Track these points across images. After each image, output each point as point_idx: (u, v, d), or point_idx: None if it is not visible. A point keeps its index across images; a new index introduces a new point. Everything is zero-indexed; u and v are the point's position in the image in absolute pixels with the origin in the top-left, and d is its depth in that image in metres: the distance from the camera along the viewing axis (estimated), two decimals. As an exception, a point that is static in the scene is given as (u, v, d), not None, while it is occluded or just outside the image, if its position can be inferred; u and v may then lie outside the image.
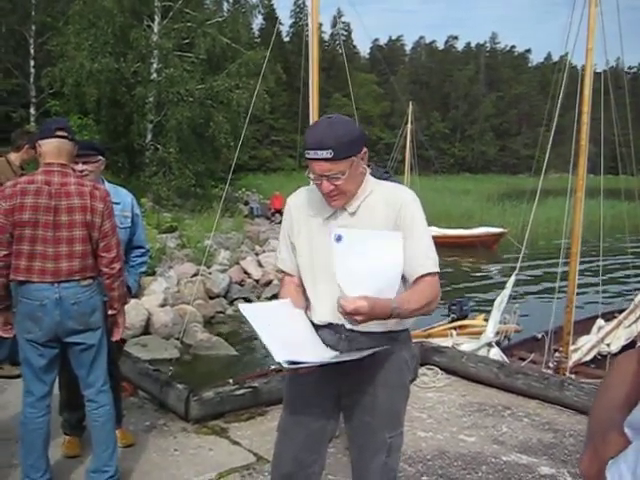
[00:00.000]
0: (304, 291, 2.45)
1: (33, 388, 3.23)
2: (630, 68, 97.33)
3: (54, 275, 3.09)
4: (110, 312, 3.35)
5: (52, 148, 3.18)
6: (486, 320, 10.75)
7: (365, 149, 2.31)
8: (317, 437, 2.47)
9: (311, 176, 2.27)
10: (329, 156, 2.18)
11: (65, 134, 3.22)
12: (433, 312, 2.44)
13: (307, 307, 2.43)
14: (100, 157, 3.92)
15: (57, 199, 3.10)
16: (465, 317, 11.71)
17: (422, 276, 2.28)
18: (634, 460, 0.66)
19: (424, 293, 2.28)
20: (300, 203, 2.46)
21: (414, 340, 6.57)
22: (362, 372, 2.35)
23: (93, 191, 3.18)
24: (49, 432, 3.33)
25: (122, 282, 3.34)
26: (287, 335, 2.27)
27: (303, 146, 2.26)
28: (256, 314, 2.29)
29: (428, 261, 2.31)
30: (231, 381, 5.01)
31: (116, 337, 3.44)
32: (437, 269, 2.32)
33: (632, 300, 11.57)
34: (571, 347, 9.80)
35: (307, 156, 2.22)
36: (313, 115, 6.94)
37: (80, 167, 3.81)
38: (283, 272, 2.55)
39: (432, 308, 2.36)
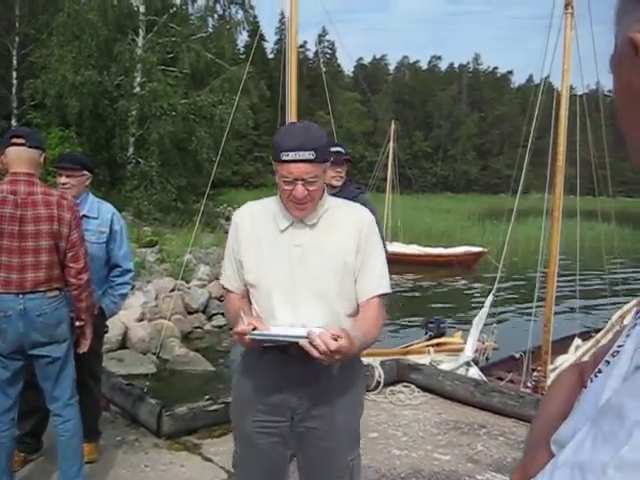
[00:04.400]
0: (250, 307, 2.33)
1: None
2: (610, 91, 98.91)
3: (19, 286, 3.04)
4: (77, 323, 3.31)
5: (11, 156, 3.15)
6: (463, 338, 10.77)
7: (329, 160, 2.30)
8: (278, 465, 2.37)
9: (282, 181, 2.16)
10: (311, 157, 2.10)
11: (21, 141, 3.15)
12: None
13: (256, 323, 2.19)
14: (85, 172, 3.91)
15: (23, 209, 3.05)
16: (442, 335, 11.71)
17: (375, 296, 2.26)
18: (549, 476, 0.65)
19: (378, 319, 2.26)
20: (248, 218, 2.35)
21: (392, 357, 6.57)
22: (318, 395, 2.24)
23: (60, 200, 3.15)
24: (14, 447, 3.26)
25: (90, 293, 3.30)
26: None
27: (277, 149, 2.14)
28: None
29: (384, 281, 2.30)
30: (207, 397, 4.95)
31: (82, 349, 3.38)
32: (390, 290, 2.32)
33: (609, 319, 11.65)
34: (549, 366, 9.82)
35: (285, 158, 2.11)
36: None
37: (63, 180, 3.80)
38: (227, 290, 2.43)
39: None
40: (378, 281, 2.27)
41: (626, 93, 0.69)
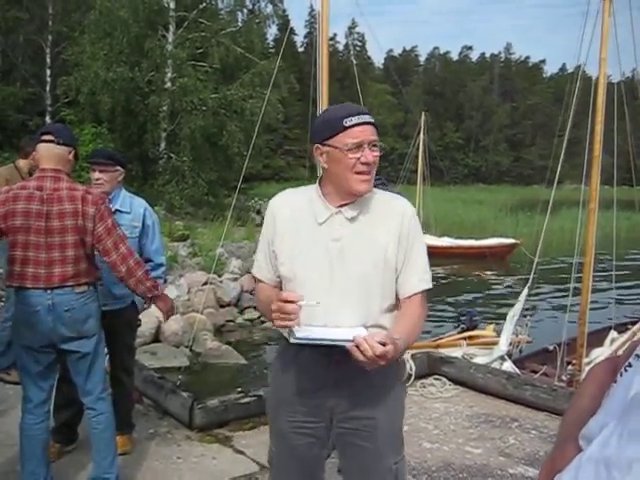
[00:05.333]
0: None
1: (31, 394, 3.22)
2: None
3: (47, 281, 3.08)
4: (145, 306, 3.70)
5: (41, 153, 3.20)
6: (496, 330, 10.67)
7: None
8: (314, 464, 2.29)
9: (346, 150, 2.05)
10: (372, 120, 2.06)
11: (50, 138, 3.18)
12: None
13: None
14: (118, 167, 3.94)
15: (49, 204, 3.09)
16: (475, 327, 11.61)
17: (417, 292, 2.17)
18: (575, 472, 0.64)
19: (420, 318, 2.18)
20: (286, 206, 2.24)
21: (423, 350, 6.54)
22: (356, 394, 2.14)
23: (85, 195, 3.15)
24: (48, 438, 3.32)
25: (140, 279, 3.28)
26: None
27: (332, 122, 2.08)
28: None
29: (426, 276, 2.21)
30: (238, 389, 4.98)
31: (165, 319, 3.71)
32: (431, 285, 2.23)
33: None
34: (584, 360, 9.67)
35: (348, 123, 2.04)
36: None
37: (96, 175, 3.84)
38: (258, 280, 2.33)
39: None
40: (420, 276, 2.18)
41: None
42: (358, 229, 2.14)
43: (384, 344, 1.86)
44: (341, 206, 2.15)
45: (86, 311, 3.18)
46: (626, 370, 0.73)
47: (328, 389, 2.14)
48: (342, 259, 2.11)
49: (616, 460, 0.58)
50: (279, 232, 2.21)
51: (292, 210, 2.21)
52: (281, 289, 2.23)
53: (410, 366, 5.43)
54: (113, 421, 3.37)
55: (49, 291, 3.08)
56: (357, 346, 1.86)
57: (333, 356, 2.04)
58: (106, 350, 4.02)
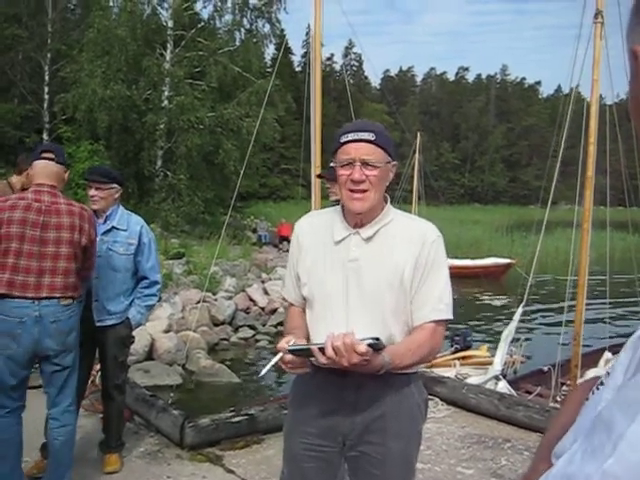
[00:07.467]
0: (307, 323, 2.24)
1: (7, 403, 3.24)
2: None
3: (35, 290, 3.13)
4: None
5: (39, 169, 3.28)
6: (489, 351, 10.65)
7: (395, 162, 2.17)
8: None
9: (340, 166, 2.08)
10: (371, 138, 2.03)
11: (51, 156, 3.29)
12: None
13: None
14: (114, 185, 3.95)
15: (47, 215, 3.18)
16: (468, 347, 11.59)
17: (429, 322, 2.11)
18: None
19: (423, 346, 2.09)
20: (308, 228, 2.27)
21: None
22: (371, 421, 2.14)
23: (82, 212, 3.29)
24: (21, 443, 3.32)
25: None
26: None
27: (335, 141, 2.10)
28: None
29: (441, 306, 2.12)
30: (230, 408, 4.95)
31: None
32: (449, 316, 2.15)
33: (640, 333, 11.42)
34: (579, 380, 9.63)
35: (344, 139, 2.06)
36: (316, 142, 6.96)
37: (92, 192, 3.87)
38: (289, 303, 2.35)
39: (429, 360, 2.23)
40: (434, 306, 2.11)
41: (638, 107, 0.69)
42: (374, 250, 2.13)
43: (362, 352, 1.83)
44: (359, 226, 2.15)
45: (70, 324, 3.26)
46: (598, 388, 0.74)
47: (343, 413, 2.14)
48: (358, 280, 2.11)
49: (577, 476, 0.59)
50: (302, 254, 2.23)
51: (314, 231, 2.24)
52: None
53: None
54: (74, 435, 3.41)
55: (36, 302, 3.13)
56: (331, 341, 1.84)
57: (350, 379, 2.04)
58: (98, 367, 4.04)
